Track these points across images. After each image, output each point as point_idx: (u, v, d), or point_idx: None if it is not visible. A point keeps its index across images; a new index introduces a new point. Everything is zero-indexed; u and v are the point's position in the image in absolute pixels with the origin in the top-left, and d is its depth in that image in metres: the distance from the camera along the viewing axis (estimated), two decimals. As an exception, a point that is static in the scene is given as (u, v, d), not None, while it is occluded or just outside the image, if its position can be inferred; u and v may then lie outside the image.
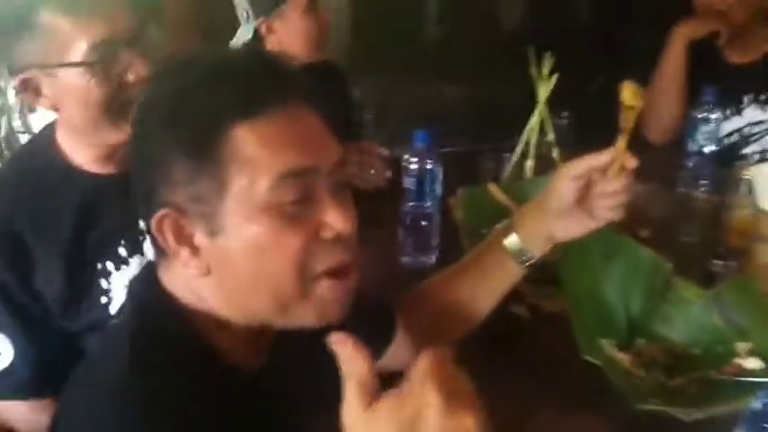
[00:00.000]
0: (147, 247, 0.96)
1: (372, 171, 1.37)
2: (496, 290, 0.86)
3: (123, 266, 0.95)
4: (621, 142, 0.78)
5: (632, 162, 0.78)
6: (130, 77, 0.88)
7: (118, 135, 0.90)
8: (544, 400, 0.85)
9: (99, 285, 0.94)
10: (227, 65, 0.63)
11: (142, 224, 0.94)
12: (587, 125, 1.40)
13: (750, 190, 1.04)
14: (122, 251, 0.95)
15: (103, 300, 0.94)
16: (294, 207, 0.59)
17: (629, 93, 0.79)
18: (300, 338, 0.66)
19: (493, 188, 1.26)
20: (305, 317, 0.62)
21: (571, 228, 0.81)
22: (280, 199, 0.59)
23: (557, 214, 0.81)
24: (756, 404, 0.62)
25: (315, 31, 1.50)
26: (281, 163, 0.58)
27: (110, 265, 0.94)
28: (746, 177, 1.05)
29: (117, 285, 0.94)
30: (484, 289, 0.87)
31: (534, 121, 1.33)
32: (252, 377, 0.65)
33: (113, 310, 0.94)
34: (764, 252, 1.00)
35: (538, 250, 0.83)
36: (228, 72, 0.61)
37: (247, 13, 1.49)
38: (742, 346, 0.88)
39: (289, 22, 1.47)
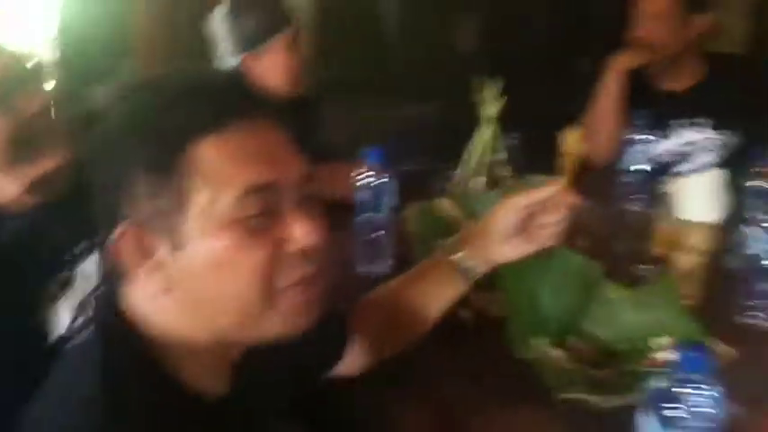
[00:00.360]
0: (89, 268, 0.97)
1: None
2: (443, 301, 0.94)
3: (68, 290, 0.96)
4: (563, 180, 0.87)
5: (572, 200, 0.88)
6: (31, 109, 0.89)
7: (40, 165, 0.90)
8: (488, 396, 0.93)
9: (47, 312, 0.94)
10: (191, 81, 0.63)
11: (82, 246, 0.96)
12: (536, 146, 1.51)
13: (671, 203, 1.15)
14: (65, 275, 0.96)
15: (52, 325, 0.94)
16: (258, 221, 0.59)
17: (572, 140, 0.87)
18: (264, 360, 0.68)
19: (444, 203, 1.34)
20: (272, 329, 0.63)
21: (512, 251, 0.90)
22: (244, 213, 0.59)
23: (499, 240, 0.90)
24: (655, 385, 0.71)
25: (296, 66, 1.57)
26: (245, 178, 0.59)
27: (54, 291, 0.95)
28: (668, 192, 1.16)
29: (64, 309, 0.95)
30: (431, 299, 0.94)
31: (486, 140, 1.43)
32: (215, 401, 0.65)
33: (62, 333, 0.94)
34: (682, 259, 1.11)
35: (482, 269, 0.92)
36: (192, 87, 0.62)
37: (229, 48, 1.54)
38: (660, 340, 0.97)
39: (273, 57, 1.53)
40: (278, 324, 0.63)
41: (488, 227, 0.90)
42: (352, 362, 0.92)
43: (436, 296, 0.93)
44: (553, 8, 2.30)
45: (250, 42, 1.53)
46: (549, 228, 0.88)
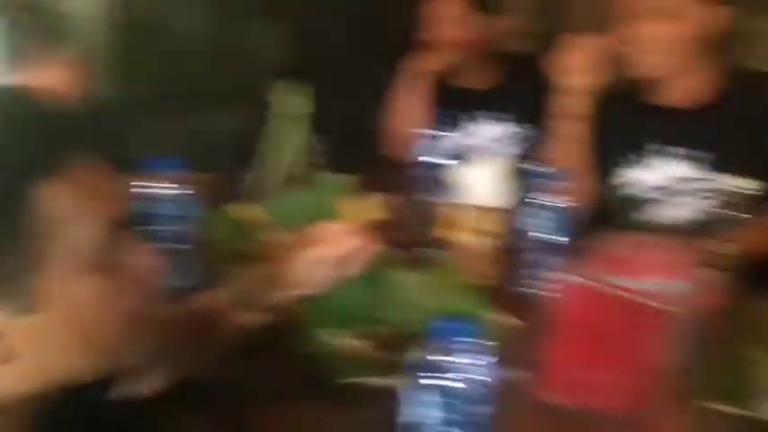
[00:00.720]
0: None
1: None
2: (251, 319, 0.93)
3: None
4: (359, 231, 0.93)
5: (368, 251, 0.92)
6: None
7: None
8: (288, 397, 0.94)
9: None
10: (15, 114, 0.59)
11: None
12: (343, 149, 1.55)
13: (462, 191, 1.23)
14: None
15: None
16: (109, 260, 0.58)
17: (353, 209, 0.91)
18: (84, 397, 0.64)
19: (249, 208, 1.34)
20: (123, 357, 0.62)
21: (314, 287, 0.93)
22: (99, 256, 0.57)
23: (299, 282, 0.92)
24: (423, 358, 0.76)
25: (79, 81, 1.49)
26: (95, 218, 0.57)
27: None
28: (461, 180, 1.24)
29: None
30: (241, 315, 0.93)
31: (291, 142, 1.44)
32: None
33: None
34: (472, 241, 1.19)
35: (283, 301, 0.93)
36: (20, 122, 0.58)
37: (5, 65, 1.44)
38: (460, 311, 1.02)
39: (52, 73, 1.45)
40: (126, 355, 0.62)
41: (284, 274, 0.92)
42: (153, 380, 0.87)
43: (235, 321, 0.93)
44: (352, 15, 2.37)
45: (29, 59, 1.44)
46: (350, 263, 0.93)
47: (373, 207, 1.28)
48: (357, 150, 1.62)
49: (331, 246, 0.91)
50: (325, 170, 1.43)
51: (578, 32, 1.45)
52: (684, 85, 1.40)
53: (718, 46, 1.37)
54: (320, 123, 1.46)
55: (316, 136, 1.47)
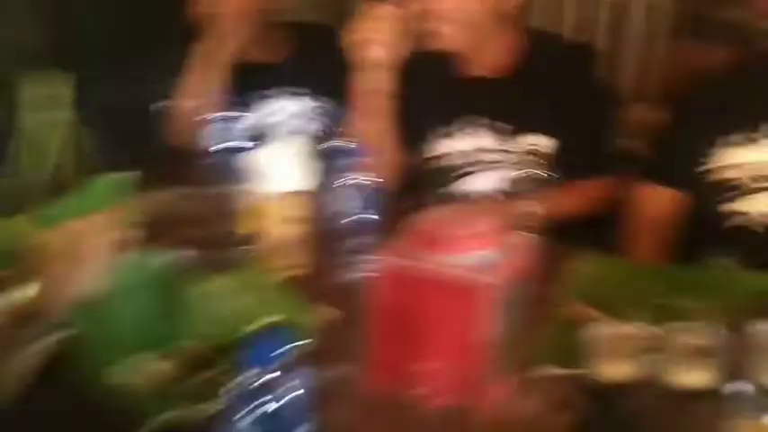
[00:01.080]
0: None
1: None
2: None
3: None
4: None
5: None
6: None
7: None
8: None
9: None
10: None
11: None
12: (118, 144, 1.37)
13: (261, 177, 1.12)
14: None
15: None
16: None
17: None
18: None
19: (8, 220, 1.12)
20: None
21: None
22: None
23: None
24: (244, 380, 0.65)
25: None
26: None
27: None
28: (257, 166, 1.13)
29: None
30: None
31: (54, 138, 1.23)
32: None
33: None
34: (278, 232, 1.09)
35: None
36: None
37: None
38: (270, 320, 0.92)
39: None
40: None
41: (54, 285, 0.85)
42: None
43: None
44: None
45: None
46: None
47: (155, 204, 1.13)
48: (136, 144, 1.44)
49: (88, 247, 0.81)
50: (98, 169, 1.24)
51: (375, 3, 1.39)
52: (486, 55, 1.40)
53: (517, 14, 1.38)
54: (90, 117, 1.27)
55: (85, 131, 1.27)
